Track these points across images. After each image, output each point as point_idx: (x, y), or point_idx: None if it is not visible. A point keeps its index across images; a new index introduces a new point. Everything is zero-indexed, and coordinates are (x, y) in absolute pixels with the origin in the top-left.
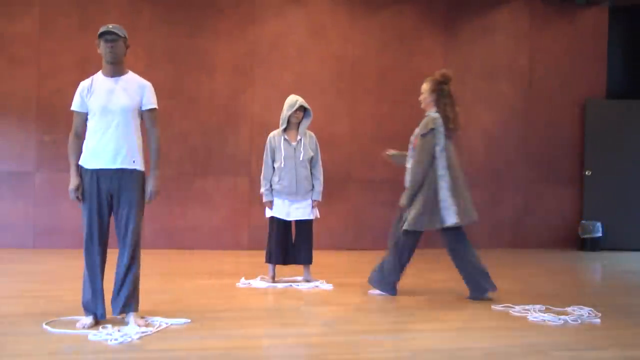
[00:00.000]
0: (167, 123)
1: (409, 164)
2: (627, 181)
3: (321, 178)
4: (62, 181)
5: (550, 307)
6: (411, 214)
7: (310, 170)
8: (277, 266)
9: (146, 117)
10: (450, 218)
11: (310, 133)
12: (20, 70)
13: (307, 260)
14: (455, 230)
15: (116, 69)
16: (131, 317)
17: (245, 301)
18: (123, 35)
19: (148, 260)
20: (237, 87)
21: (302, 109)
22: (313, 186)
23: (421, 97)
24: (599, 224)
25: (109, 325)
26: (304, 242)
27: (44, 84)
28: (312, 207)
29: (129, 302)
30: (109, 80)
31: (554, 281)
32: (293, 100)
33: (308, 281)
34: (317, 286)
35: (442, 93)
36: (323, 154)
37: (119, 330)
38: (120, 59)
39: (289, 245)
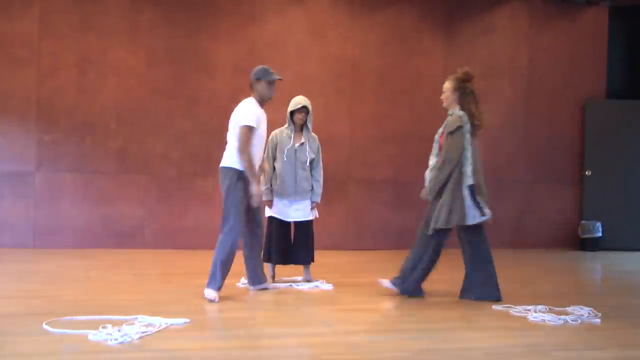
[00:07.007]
0: (167, 123)
1: (432, 161)
2: (627, 181)
3: (321, 180)
4: (62, 181)
5: (551, 307)
6: (442, 213)
7: (311, 172)
8: (277, 266)
9: None
10: (476, 216)
11: (313, 135)
12: (20, 70)
13: (307, 261)
14: (475, 227)
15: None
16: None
17: (244, 301)
18: None
19: (148, 260)
20: (237, 87)
21: (305, 110)
22: (312, 187)
23: (443, 96)
24: (599, 224)
25: (109, 325)
26: (304, 242)
27: (44, 84)
28: (312, 208)
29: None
30: None
31: (554, 281)
32: (297, 100)
33: (308, 281)
34: (317, 286)
35: (464, 91)
36: (323, 153)
37: (119, 330)
38: None
39: (289, 245)
